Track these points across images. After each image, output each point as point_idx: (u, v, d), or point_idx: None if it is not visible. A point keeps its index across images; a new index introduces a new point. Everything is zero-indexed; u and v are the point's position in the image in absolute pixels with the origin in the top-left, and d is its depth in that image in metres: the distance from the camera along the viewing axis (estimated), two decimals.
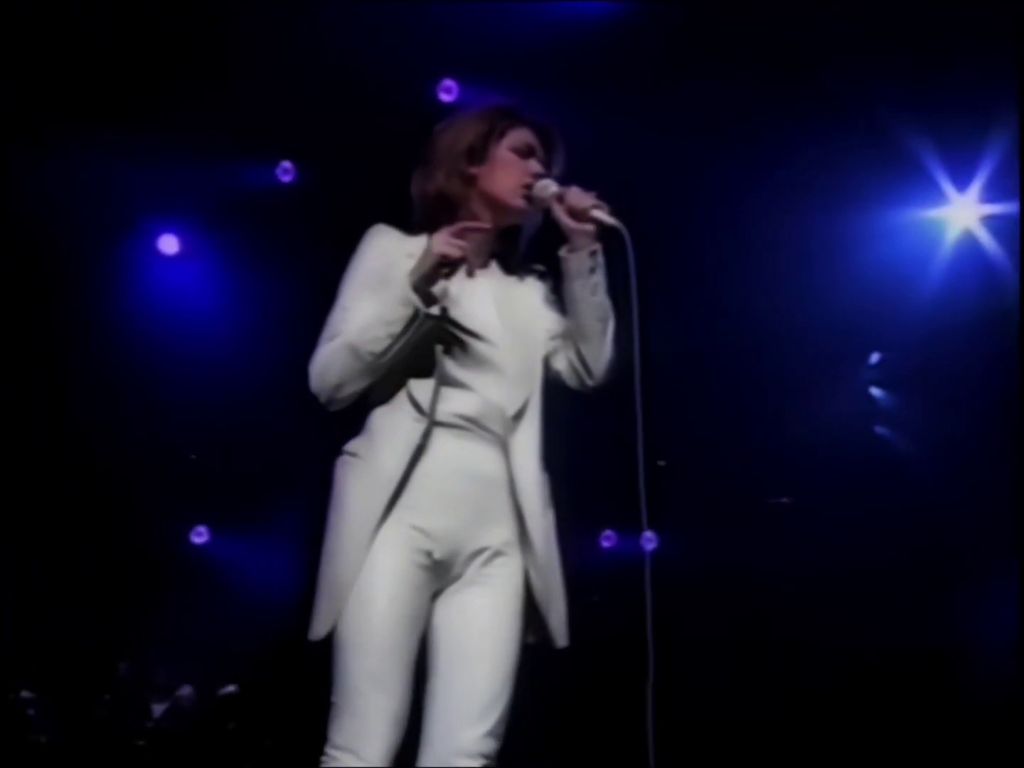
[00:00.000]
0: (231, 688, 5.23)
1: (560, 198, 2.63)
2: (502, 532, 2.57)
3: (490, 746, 2.49)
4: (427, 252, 2.48)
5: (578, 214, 2.61)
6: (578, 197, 2.62)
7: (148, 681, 5.19)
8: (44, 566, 5.59)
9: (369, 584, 2.45)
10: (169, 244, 5.89)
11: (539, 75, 4.89)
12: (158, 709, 5.13)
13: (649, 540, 6.33)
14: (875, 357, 6.18)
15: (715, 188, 5.59)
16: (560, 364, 2.68)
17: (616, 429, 6.32)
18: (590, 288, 2.60)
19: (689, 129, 5.23)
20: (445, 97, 5.33)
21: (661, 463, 6.37)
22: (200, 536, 6.01)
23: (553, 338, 2.69)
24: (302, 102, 5.30)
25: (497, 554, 2.57)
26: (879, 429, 6.16)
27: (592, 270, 2.61)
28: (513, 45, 5.00)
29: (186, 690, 5.15)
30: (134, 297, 5.79)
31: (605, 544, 6.23)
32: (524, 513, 2.55)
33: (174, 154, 5.47)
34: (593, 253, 2.61)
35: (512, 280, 2.71)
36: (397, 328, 2.45)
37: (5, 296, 5.65)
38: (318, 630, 2.49)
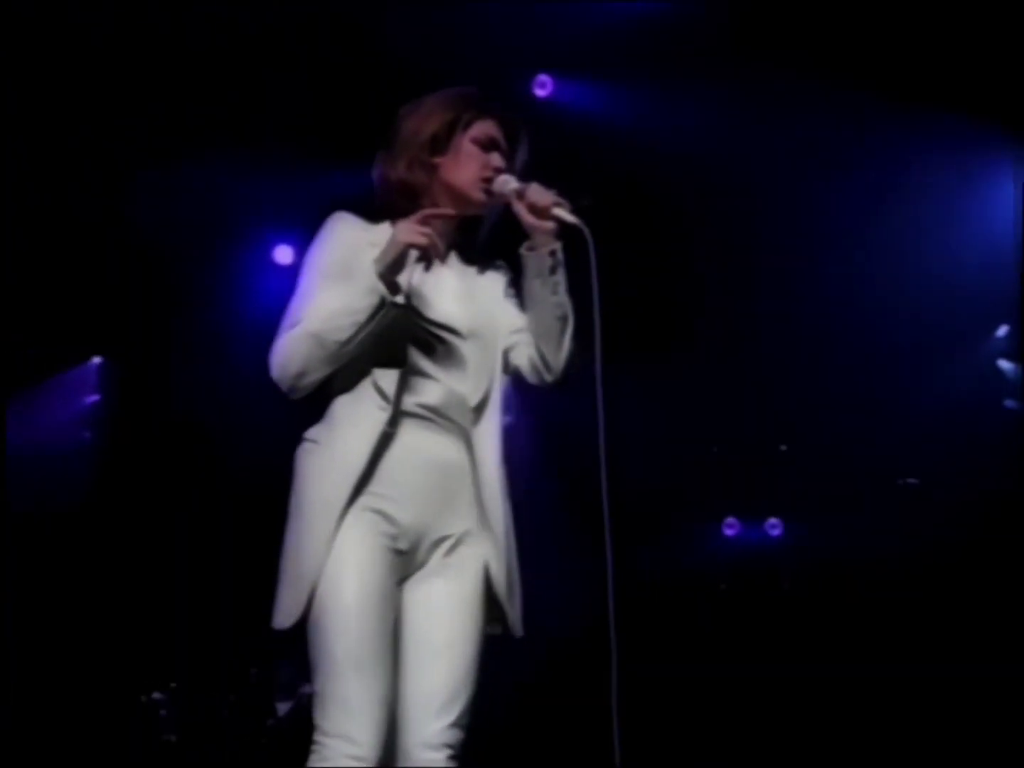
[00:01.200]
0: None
1: (520, 194, 2.56)
2: (464, 521, 2.55)
3: (454, 737, 2.48)
4: (392, 241, 2.46)
5: (539, 211, 2.54)
6: (539, 194, 2.55)
7: (273, 681, 5.30)
8: (189, 574, 5.75)
9: (338, 571, 2.43)
10: (284, 255, 6.03)
11: (630, 69, 4.86)
12: (282, 708, 5.23)
13: (773, 526, 6.27)
14: (1002, 330, 6.02)
15: (832, 163, 5.50)
16: (519, 359, 2.62)
17: (735, 417, 6.26)
18: (550, 287, 2.55)
19: (789, 115, 5.16)
20: (540, 92, 5.34)
21: (783, 447, 6.36)
22: None
23: (513, 332, 2.63)
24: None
25: (459, 543, 2.55)
26: (1008, 403, 5.99)
27: (552, 269, 2.55)
28: (606, 40, 4.97)
29: (309, 688, 5.24)
30: (251, 305, 5.92)
31: (728, 532, 6.19)
32: (485, 503, 2.54)
33: (290, 168, 5.58)
34: (553, 252, 2.54)
35: (472, 271, 2.66)
36: (362, 317, 2.44)
37: (135, 305, 5.85)
38: (284, 619, 2.47)
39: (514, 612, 2.57)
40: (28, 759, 5.17)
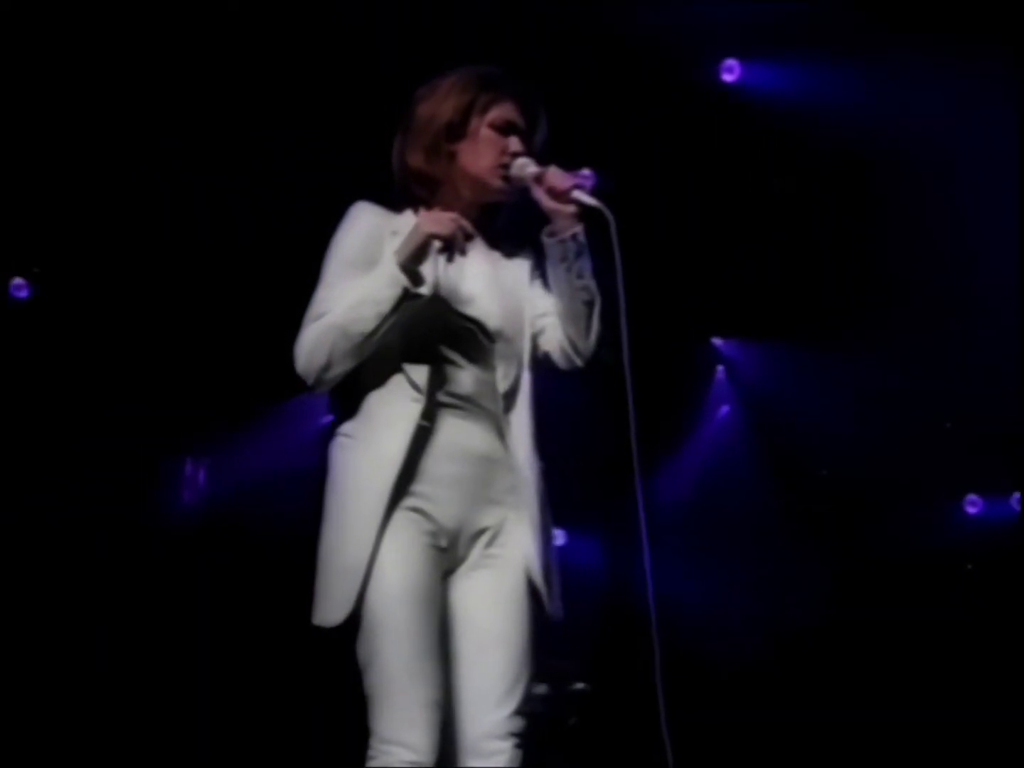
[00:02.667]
0: (581, 685, 5.27)
1: (539, 178, 2.50)
2: (500, 510, 2.51)
3: (518, 725, 2.46)
4: (415, 230, 2.41)
5: (559, 195, 2.48)
6: (558, 177, 2.49)
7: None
8: None
9: (384, 574, 2.40)
10: None
11: (819, 51, 4.72)
12: None
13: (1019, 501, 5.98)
14: None
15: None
16: (549, 344, 2.59)
17: (967, 392, 5.97)
18: (575, 271, 2.50)
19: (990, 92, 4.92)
20: (727, 78, 5.23)
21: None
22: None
23: (539, 317, 2.59)
24: (593, 93, 5.26)
25: (497, 533, 2.51)
26: None
27: (577, 253, 2.49)
28: (791, 21, 4.82)
29: (541, 688, 5.25)
30: None
31: (970, 510, 5.94)
32: (520, 490, 2.51)
33: None
34: (574, 236, 2.48)
35: (495, 257, 2.61)
36: (385, 308, 2.39)
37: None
38: (331, 616, 2.43)
39: (554, 599, 2.53)
40: None
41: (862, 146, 5.10)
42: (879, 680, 5.52)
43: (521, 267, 2.62)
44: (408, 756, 2.35)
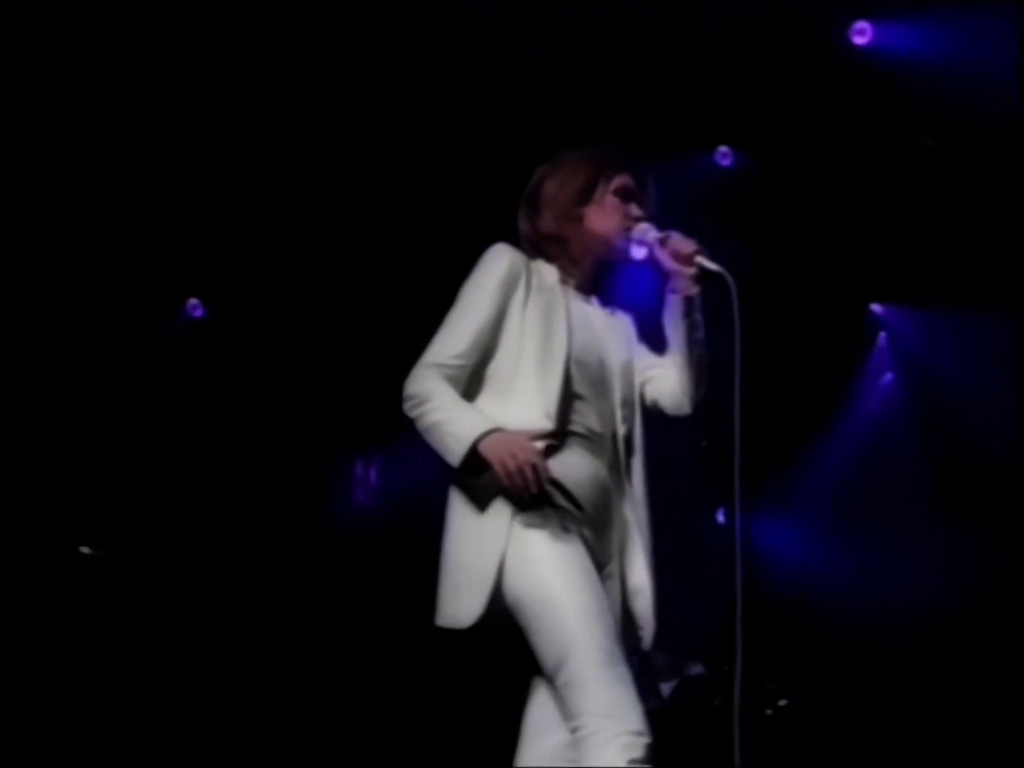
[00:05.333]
0: (698, 668, 5.27)
1: (663, 241, 2.79)
2: (612, 542, 2.69)
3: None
4: (496, 454, 2.54)
5: (682, 258, 2.76)
6: (681, 242, 2.78)
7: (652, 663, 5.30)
8: None
9: (556, 563, 2.53)
10: None
11: (948, 11, 4.62)
12: (666, 688, 5.23)
13: None
14: None
15: None
16: (658, 392, 2.84)
17: None
18: (691, 326, 2.78)
19: None
20: (859, 40, 5.14)
21: None
22: None
23: (647, 368, 2.86)
24: (727, 61, 5.23)
25: (610, 563, 2.69)
26: None
27: (692, 312, 2.78)
28: None
29: (696, 668, 5.25)
30: None
31: None
32: (637, 527, 2.72)
33: None
34: (692, 297, 2.78)
35: (606, 313, 2.89)
36: (439, 446, 2.60)
37: None
38: (464, 618, 2.57)
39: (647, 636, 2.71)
40: None
41: (1001, 101, 4.94)
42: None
43: (626, 323, 2.91)
44: (631, 726, 2.45)
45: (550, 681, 2.54)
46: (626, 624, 2.68)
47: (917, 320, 6.33)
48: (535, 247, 2.84)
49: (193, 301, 6.19)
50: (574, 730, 2.49)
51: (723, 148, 5.77)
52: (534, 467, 2.50)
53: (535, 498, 2.53)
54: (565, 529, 2.57)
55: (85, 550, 5.68)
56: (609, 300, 2.90)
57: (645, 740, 2.45)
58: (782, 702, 5.10)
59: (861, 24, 5.14)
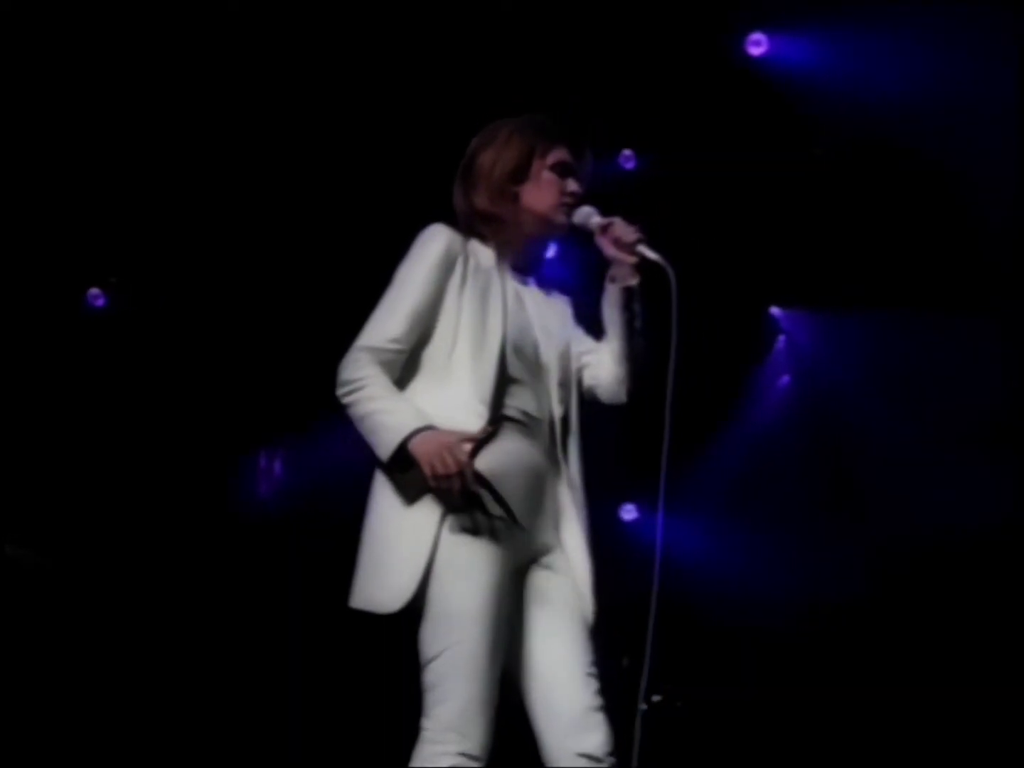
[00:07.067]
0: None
1: (605, 228, 2.75)
2: (548, 528, 2.68)
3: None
4: (423, 452, 2.50)
5: (623, 246, 2.72)
6: (624, 230, 2.73)
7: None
8: None
9: (457, 562, 2.52)
10: None
11: (844, 25, 4.73)
12: None
13: None
14: None
15: None
16: (595, 380, 2.81)
17: None
18: (630, 316, 2.75)
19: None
20: (754, 51, 5.25)
21: None
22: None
23: (584, 353, 2.82)
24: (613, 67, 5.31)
25: (551, 549, 2.69)
26: None
27: (632, 302, 2.75)
28: None
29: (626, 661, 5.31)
30: None
31: None
32: (573, 509, 2.70)
33: None
34: (632, 287, 2.74)
35: (543, 294, 2.84)
36: (370, 437, 2.56)
37: None
38: (390, 604, 2.52)
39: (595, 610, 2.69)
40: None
41: (895, 117, 5.07)
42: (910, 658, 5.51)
43: (563, 305, 2.87)
44: (468, 747, 2.46)
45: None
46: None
47: (815, 324, 6.43)
48: (470, 226, 2.76)
49: (94, 291, 6.15)
50: (420, 728, 2.51)
51: (626, 151, 5.84)
52: (460, 472, 2.46)
53: (461, 499, 2.50)
54: (493, 536, 2.53)
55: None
56: (545, 280, 2.85)
57: (477, 765, 2.47)
58: (656, 698, 5.18)
59: (757, 35, 5.26)
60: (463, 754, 2.46)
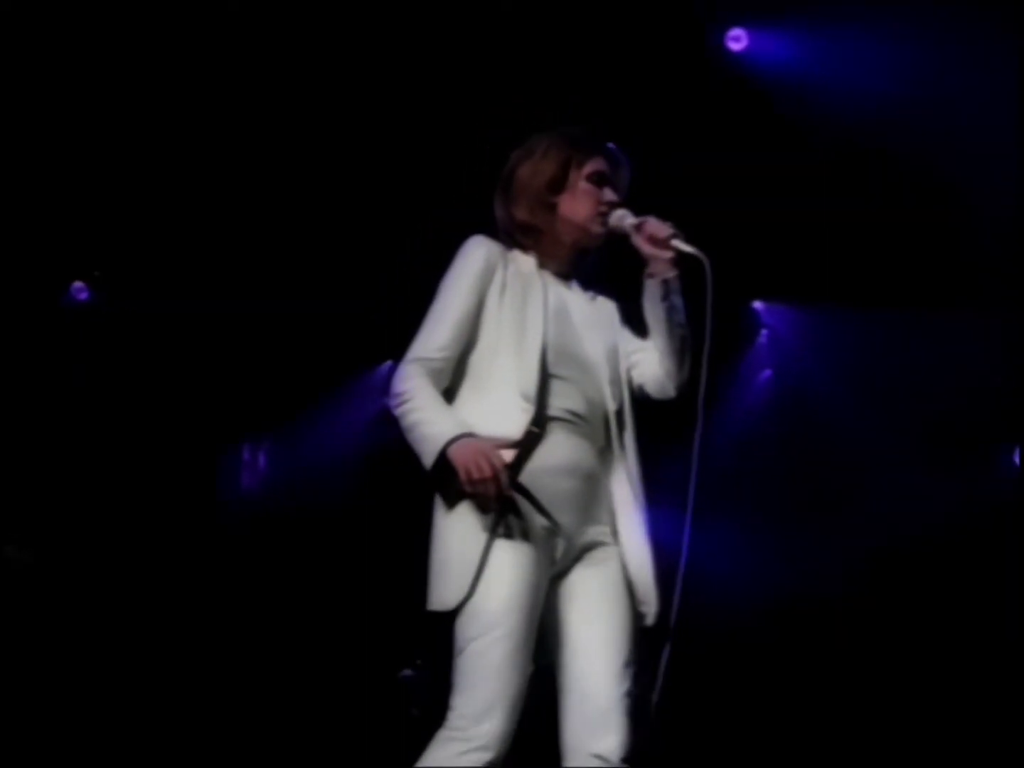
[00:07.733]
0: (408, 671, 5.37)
1: (639, 227, 2.79)
2: (602, 528, 2.71)
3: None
4: (459, 458, 2.55)
5: (658, 242, 2.76)
6: (657, 227, 2.77)
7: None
8: None
9: (500, 563, 2.55)
10: None
11: (826, 21, 4.74)
12: None
13: None
14: None
15: None
16: (644, 376, 2.84)
17: None
18: (670, 309, 2.77)
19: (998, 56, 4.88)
20: (734, 46, 5.26)
21: None
22: None
23: (632, 352, 2.86)
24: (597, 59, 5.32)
25: (597, 547, 2.70)
26: None
27: (671, 295, 2.77)
28: None
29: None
30: None
31: None
32: (631, 504, 2.72)
33: None
34: (670, 280, 2.77)
35: (588, 297, 2.89)
36: (416, 447, 2.61)
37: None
38: (446, 602, 2.58)
39: (656, 608, 2.70)
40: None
41: (873, 113, 5.08)
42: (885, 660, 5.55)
43: (609, 307, 2.91)
44: (478, 734, 2.51)
45: None
46: (630, 603, 2.70)
47: (798, 319, 6.46)
48: (511, 236, 2.84)
49: (78, 284, 6.17)
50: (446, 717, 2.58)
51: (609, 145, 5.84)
52: (495, 476, 2.52)
53: (497, 504, 2.55)
54: (535, 540, 2.59)
55: None
56: (590, 285, 2.89)
57: (488, 755, 2.52)
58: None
59: (737, 31, 5.27)
60: (474, 742, 2.52)
